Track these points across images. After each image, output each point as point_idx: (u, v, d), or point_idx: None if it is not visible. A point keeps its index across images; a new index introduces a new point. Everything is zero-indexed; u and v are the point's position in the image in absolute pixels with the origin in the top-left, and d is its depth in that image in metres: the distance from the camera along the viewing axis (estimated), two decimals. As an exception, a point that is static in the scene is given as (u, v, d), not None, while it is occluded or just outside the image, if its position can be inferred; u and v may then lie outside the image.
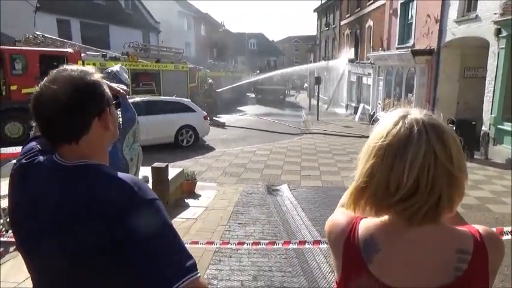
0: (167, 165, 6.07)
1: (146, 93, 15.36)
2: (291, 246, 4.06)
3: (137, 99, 10.97)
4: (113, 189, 1.00)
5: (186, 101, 12.85)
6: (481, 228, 0.94)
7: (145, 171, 5.78)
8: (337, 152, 11.71)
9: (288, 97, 40.23)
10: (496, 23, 9.93)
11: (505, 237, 3.08)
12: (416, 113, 0.94)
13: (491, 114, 10.45)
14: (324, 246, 3.81)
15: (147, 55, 18.11)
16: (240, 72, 37.31)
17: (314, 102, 22.91)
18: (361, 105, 21.26)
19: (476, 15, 10.95)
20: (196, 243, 3.87)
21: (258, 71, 36.85)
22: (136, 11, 31.89)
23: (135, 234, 0.95)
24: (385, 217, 0.95)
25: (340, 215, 1.02)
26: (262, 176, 8.59)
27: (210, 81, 18.13)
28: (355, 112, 21.67)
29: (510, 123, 9.82)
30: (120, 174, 1.04)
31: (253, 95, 35.60)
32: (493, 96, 10.40)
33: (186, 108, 12.19)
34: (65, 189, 1.01)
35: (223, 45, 50.52)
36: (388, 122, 0.94)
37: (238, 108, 27.46)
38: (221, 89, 27.08)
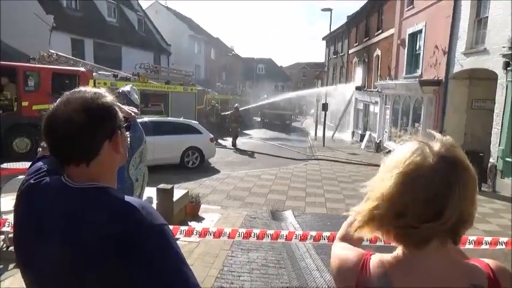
0: (173, 187, 6.04)
1: (154, 113, 15.51)
2: None
3: (145, 119, 11.05)
4: (121, 213, 0.99)
5: (193, 122, 12.93)
6: (491, 262, 0.95)
7: (150, 192, 5.76)
8: (343, 179, 11.62)
9: (294, 122, 40.39)
10: (504, 56, 9.99)
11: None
12: (436, 145, 0.93)
13: (499, 146, 10.38)
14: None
15: (157, 76, 18.41)
16: (248, 96, 37.63)
17: (320, 128, 22.94)
18: (368, 133, 21.27)
19: (485, 48, 11.04)
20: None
21: (265, 96, 37.20)
22: (148, 33, 32.63)
23: (142, 260, 0.93)
24: (396, 252, 0.95)
25: (348, 251, 1.01)
26: (267, 201, 8.51)
27: (236, 105, 18.57)
28: (361, 140, 21.65)
29: (519, 157, 9.73)
30: (128, 198, 1.02)
31: (259, 119, 35.80)
32: (501, 129, 10.35)
33: (193, 130, 12.25)
34: (72, 212, 1.00)
35: (232, 69, 51.34)
36: (406, 149, 0.94)
37: (244, 131, 27.55)
38: (228, 112, 27.27)
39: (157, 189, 5.87)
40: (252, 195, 8.93)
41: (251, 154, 15.91)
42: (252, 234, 3.70)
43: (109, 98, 1.12)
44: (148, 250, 0.95)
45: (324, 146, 20.11)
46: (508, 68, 9.97)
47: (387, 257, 0.95)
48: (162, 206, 5.65)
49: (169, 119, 13.65)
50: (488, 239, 3.81)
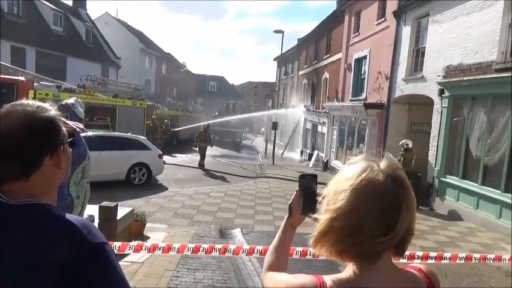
0: (116, 205, 5.80)
1: (100, 128, 14.94)
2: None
3: (90, 133, 10.61)
4: (60, 232, 0.95)
5: (141, 138, 12.62)
6: (422, 267, 1.06)
7: (91, 210, 5.49)
8: (291, 196, 11.73)
9: (245, 140, 40.66)
10: (439, 84, 10.84)
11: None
12: (384, 164, 0.99)
13: (435, 167, 11.13)
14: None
15: (104, 89, 17.80)
16: (199, 112, 37.45)
17: (270, 146, 23.29)
18: (316, 152, 21.90)
19: (422, 76, 11.92)
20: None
21: (216, 113, 37.23)
22: (96, 44, 31.65)
23: (82, 280, 0.89)
24: (349, 270, 0.98)
25: (299, 279, 0.99)
26: (215, 219, 8.42)
27: (206, 123, 17.75)
28: (310, 158, 22.23)
29: (452, 177, 10.48)
30: (68, 216, 0.99)
31: (210, 136, 35.52)
32: (437, 151, 11.14)
33: (141, 146, 11.96)
34: (6, 231, 0.94)
35: (184, 85, 50.94)
36: (357, 167, 0.98)
37: (194, 148, 27.22)
38: (178, 129, 26.95)
39: (100, 207, 5.61)
40: (201, 213, 8.79)
41: (221, 177, 15.14)
42: (201, 248, 3.67)
43: (52, 112, 1.08)
44: (88, 270, 0.92)
45: (273, 164, 20.38)
46: (443, 95, 10.82)
47: (342, 276, 0.97)
48: (104, 225, 5.40)
49: (116, 133, 13.21)
50: (420, 253, 4.07)
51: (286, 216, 1.29)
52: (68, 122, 1.26)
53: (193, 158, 21.23)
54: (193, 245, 3.75)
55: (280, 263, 1.22)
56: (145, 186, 11.44)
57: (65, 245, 0.92)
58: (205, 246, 3.71)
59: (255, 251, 3.66)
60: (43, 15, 24.79)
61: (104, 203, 5.72)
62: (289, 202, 1.27)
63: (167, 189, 11.55)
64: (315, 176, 1.26)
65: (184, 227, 7.64)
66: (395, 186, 0.95)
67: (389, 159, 1.01)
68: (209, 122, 31.84)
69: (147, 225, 7.02)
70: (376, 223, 0.92)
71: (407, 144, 11.56)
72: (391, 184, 0.94)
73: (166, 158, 15.93)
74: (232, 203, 10.19)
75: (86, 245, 0.94)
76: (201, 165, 16.47)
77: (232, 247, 3.77)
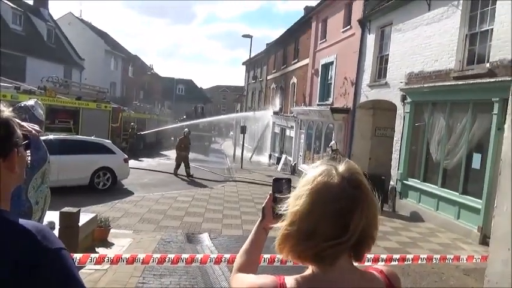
0: (79, 211, 5.61)
1: (62, 131, 14.45)
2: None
3: (51, 136, 10.25)
4: (14, 238, 0.91)
5: (106, 141, 12.29)
6: (384, 268, 1.09)
7: (52, 216, 5.29)
8: (259, 200, 11.84)
9: (213, 144, 40.49)
10: (402, 90, 11.23)
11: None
12: (342, 168, 1.01)
13: (398, 170, 11.50)
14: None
15: (67, 91, 17.23)
16: (166, 116, 36.97)
17: (239, 150, 23.29)
18: (284, 156, 22.11)
19: (386, 82, 12.31)
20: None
21: (184, 116, 36.87)
22: (59, 45, 30.61)
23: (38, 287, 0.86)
24: (308, 271, 1.00)
25: (260, 279, 1.02)
26: (183, 224, 8.32)
27: (186, 130, 16.57)
28: (278, 162, 22.40)
29: (414, 179, 10.87)
30: (22, 221, 0.95)
31: (178, 140, 35.16)
32: (399, 155, 11.52)
33: (105, 150, 11.65)
34: None
35: (151, 88, 50.14)
36: (316, 171, 1.01)
37: (161, 152, 26.91)
38: (145, 132, 26.48)
39: (61, 213, 5.41)
40: (167, 218, 8.67)
41: (189, 181, 14.80)
42: (167, 259, 3.60)
43: (6, 113, 1.03)
44: (45, 277, 0.88)
45: (242, 167, 20.38)
46: (405, 101, 11.21)
47: (302, 275, 0.99)
48: (66, 232, 5.21)
49: (79, 137, 12.81)
50: (384, 256, 4.18)
51: (259, 219, 1.30)
52: (23, 124, 1.21)
53: (160, 162, 20.95)
54: (158, 255, 3.68)
55: (250, 265, 1.23)
56: (110, 191, 11.16)
57: (18, 251, 0.88)
58: (171, 256, 3.66)
59: (223, 259, 3.64)
60: (1, 14, 23.70)
61: (65, 209, 5.52)
62: (263, 205, 1.28)
63: (133, 194, 11.32)
64: (288, 180, 1.28)
65: (150, 232, 7.49)
66: (351, 189, 0.96)
67: (349, 163, 1.03)
68: (176, 125, 31.74)
69: (112, 231, 6.83)
70: (330, 226, 0.93)
71: (331, 146, 12.80)
72: (346, 187, 0.96)
73: (132, 162, 15.61)
74: (200, 207, 10.11)
75: (41, 251, 0.90)
76: (189, 174, 15.29)
77: (199, 256, 3.73)
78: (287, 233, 0.98)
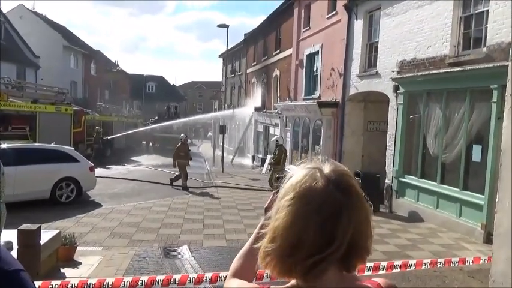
0: (39, 227, 5.50)
1: (17, 139, 14.15)
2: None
3: (4, 145, 10.03)
4: None
5: (68, 149, 12.11)
6: (381, 281, 1.06)
7: (10, 235, 5.16)
8: (243, 207, 11.84)
9: (190, 147, 40.23)
10: (394, 79, 11.41)
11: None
12: (327, 169, 1.00)
13: (393, 167, 11.67)
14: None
15: (21, 94, 16.90)
16: (136, 117, 36.61)
17: (219, 152, 23.25)
18: (269, 156, 22.09)
19: (377, 72, 12.48)
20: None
21: (156, 117, 36.58)
22: (10, 41, 29.96)
23: None
24: (293, 282, 0.99)
25: (245, 285, 1.04)
26: (159, 237, 8.28)
27: (182, 135, 16.19)
28: (263, 164, 22.43)
29: (411, 176, 11.05)
30: None
31: (150, 144, 34.96)
32: (394, 150, 11.69)
33: (68, 158, 11.47)
34: None
35: (117, 86, 49.56)
36: (299, 175, 1.00)
37: (131, 158, 26.66)
38: (112, 136, 26.17)
39: (19, 231, 5.29)
40: (141, 231, 8.61)
41: (163, 189, 14.56)
42: (140, 282, 3.55)
43: None
44: None
45: (222, 171, 20.35)
46: (398, 91, 11.40)
47: (288, 286, 0.99)
48: (25, 252, 5.10)
49: (37, 145, 12.59)
50: (384, 263, 4.21)
51: (261, 221, 1.30)
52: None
53: (130, 169, 20.74)
54: (130, 279, 3.64)
55: (246, 270, 1.23)
56: (75, 204, 11.01)
57: None
58: (145, 278, 3.62)
59: (204, 279, 3.59)
60: None
61: (24, 226, 5.41)
62: (265, 206, 1.26)
63: (101, 206, 11.21)
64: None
65: (122, 248, 7.41)
66: (338, 193, 0.95)
67: (335, 163, 1.03)
68: (147, 127, 31.47)
69: (78, 248, 6.74)
70: (315, 238, 0.92)
71: (277, 141, 13.53)
72: (332, 191, 0.95)
73: (99, 170, 15.40)
74: (177, 217, 10.07)
75: None
76: (185, 187, 14.74)
77: (177, 277, 3.68)
78: (268, 251, 0.97)
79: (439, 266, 4.54)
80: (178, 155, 15.23)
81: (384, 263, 4.28)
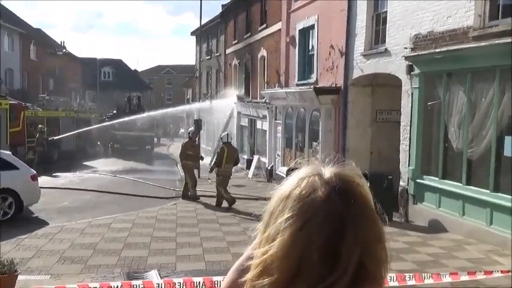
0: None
1: None
2: None
3: None
4: None
5: (4, 153, 11.99)
6: None
7: None
8: (226, 220, 11.83)
9: (157, 147, 40.08)
10: (407, 58, 11.47)
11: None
12: (327, 170, 0.99)
13: (409, 166, 11.75)
14: None
15: None
16: (89, 112, 36.28)
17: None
18: (256, 157, 22.15)
19: (385, 49, 12.55)
20: None
21: (114, 111, 36.29)
22: None
23: None
24: None
25: None
26: (121, 260, 8.27)
27: (192, 129, 15.81)
28: (248, 166, 22.43)
29: (430, 177, 11.14)
30: None
31: (108, 145, 34.69)
32: (410, 145, 11.77)
33: (4, 165, 11.39)
34: None
35: (64, 74, 48.99)
36: (289, 186, 0.98)
37: (84, 163, 26.48)
38: (59, 136, 25.88)
39: None
40: (99, 254, 8.60)
41: (126, 200, 14.54)
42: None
43: None
44: None
45: (199, 177, 20.22)
46: (412, 73, 11.46)
47: None
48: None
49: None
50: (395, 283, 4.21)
51: (246, 251, 1.28)
52: None
53: (84, 177, 20.56)
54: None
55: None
56: (15, 223, 10.96)
57: None
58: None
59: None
60: None
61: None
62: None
63: (47, 224, 11.19)
64: None
65: (75, 276, 7.40)
66: (340, 202, 0.92)
67: (339, 166, 1.01)
68: (103, 124, 31.20)
69: (20, 278, 6.67)
70: (317, 265, 0.90)
71: (221, 138, 14.05)
72: (333, 200, 0.93)
73: (44, 179, 15.23)
74: (144, 235, 10.06)
75: None
76: (194, 197, 14.63)
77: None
78: (258, 274, 0.95)
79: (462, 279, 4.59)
80: (185, 155, 15.04)
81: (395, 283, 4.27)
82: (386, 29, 12.67)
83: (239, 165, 25.12)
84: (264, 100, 21.02)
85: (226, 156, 13.94)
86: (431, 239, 9.88)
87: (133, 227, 10.82)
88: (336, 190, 0.94)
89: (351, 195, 0.95)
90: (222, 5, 30.54)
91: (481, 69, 9.63)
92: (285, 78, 19.37)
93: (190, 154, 15.02)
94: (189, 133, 15.83)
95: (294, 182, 0.98)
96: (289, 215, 0.93)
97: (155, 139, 41.05)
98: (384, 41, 12.84)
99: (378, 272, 0.95)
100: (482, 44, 9.20)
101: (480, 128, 9.72)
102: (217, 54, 31.32)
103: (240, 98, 25.42)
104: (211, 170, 15.27)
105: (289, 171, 1.22)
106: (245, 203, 14.44)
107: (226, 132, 14.23)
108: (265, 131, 21.67)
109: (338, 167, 1.00)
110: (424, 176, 11.36)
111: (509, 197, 8.76)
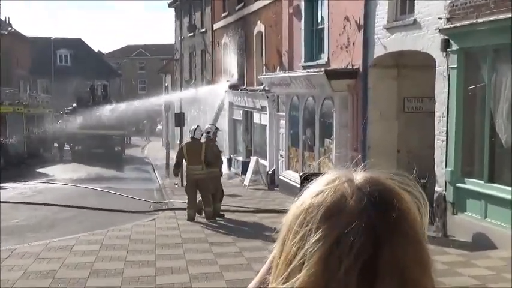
0: None
1: None
2: None
3: None
4: None
5: None
6: None
7: None
8: (218, 239, 11.82)
9: (129, 149, 40.04)
10: (442, 31, 11.44)
11: None
12: (359, 175, 0.98)
13: (446, 167, 11.72)
14: None
15: None
16: (42, 106, 36.24)
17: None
18: (253, 159, 22.09)
19: (414, 20, 12.50)
20: None
21: (74, 105, 36.23)
22: None
23: None
24: None
25: None
26: (87, 293, 8.25)
27: (209, 126, 15.30)
28: (244, 171, 22.40)
29: (474, 180, 11.11)
30: None
31: (66, 147, 34.66)
32: (447, 141, 11.73)
33: None
34: None
35: (10, 59, 48.87)
36: (312, 191, 0.98)
37: (38, 170, 26.47)
38: (5, 138, 25.88)
39: None
40: (59, 285, 8.55)
41: (92, 216, 14.84)
42: None
43: None
44: None
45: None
46: (449, 50, 11.43)
47: None
48: None
49: None
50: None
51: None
52: None
53: (38, 187, 20.49)
54: None
55: None
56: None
57: None
58: None
59: None
60: None
61: None
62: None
63: (-7, 247, 11.09)
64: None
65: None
66: (374, 213, 0.92)
67: (372, 170, 1.01)
68: (60, 121, 31.07)
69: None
70: (336, 279, 0.89)
71: (208, 132, 14.48)
72: (366, 211, 0.92)
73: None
74: (115, 259, 10.04)
75: None
76: (210, 215, 13.90)
77: None
78: None
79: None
80: (207, 162, 14.21)
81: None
82: (415, -5, 12.66)
83: (232, 169, 25.27)
84: (262, 87, 21.01)
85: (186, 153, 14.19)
86: (476, 257, 9.86)
87: (102, 249, 10.79)
88: (369, 198, 0.93)
89: (389, 206, 0.93)
90: (208, -31, 30.54)
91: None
92: (288, 59, 19.34)
93: (216, 155, 14.57)
94: (207, 132, 14.93)
95: (317, 190, 0.97)
96: (318, 235, 0.92)
97: (126, 139, 40.99)
98: (412, 10, 12.81)
99: None
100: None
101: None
102: (203, 30, 31.26)
103: (232, 86, 25.38)
104: (175, 173, 16.15)
105: (305, 180, 1.19)
106: (241, 216, 14.42)
107: (196, 126, 14.23)
108: (265, 126, 21.64)
109: (374, 172, 1.00)
110: (466, 179, 11.34)
111: None
